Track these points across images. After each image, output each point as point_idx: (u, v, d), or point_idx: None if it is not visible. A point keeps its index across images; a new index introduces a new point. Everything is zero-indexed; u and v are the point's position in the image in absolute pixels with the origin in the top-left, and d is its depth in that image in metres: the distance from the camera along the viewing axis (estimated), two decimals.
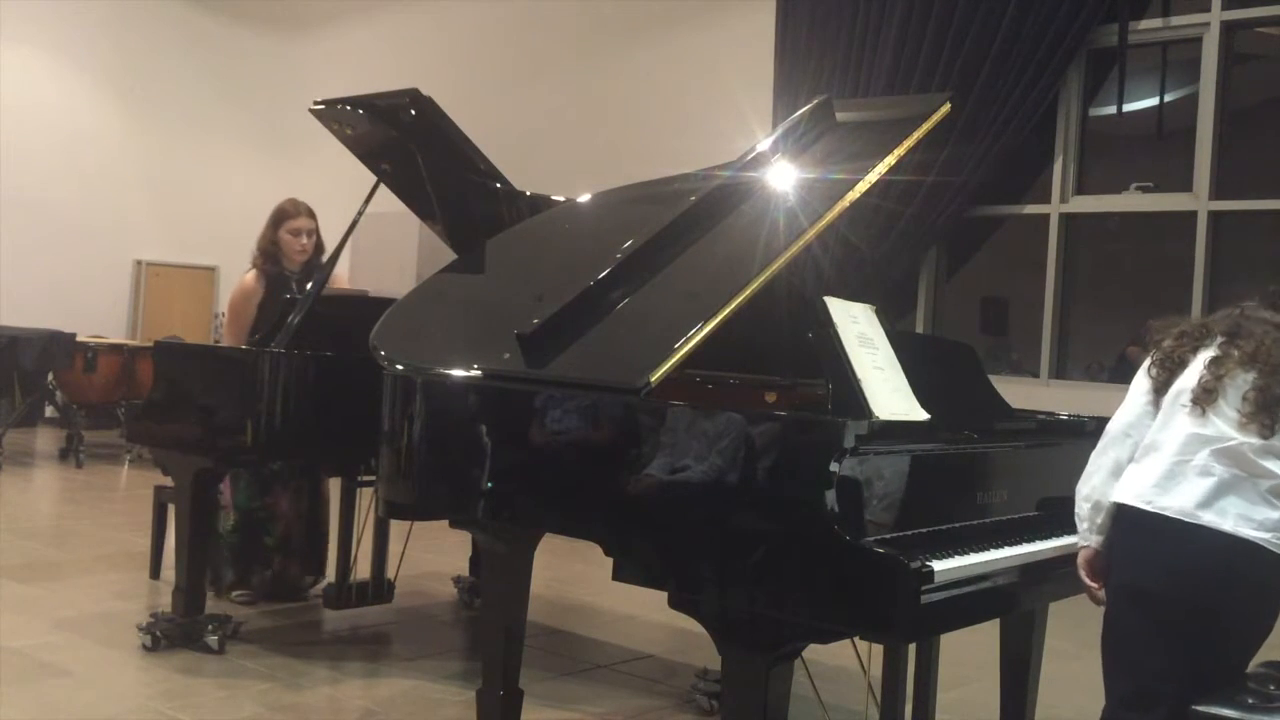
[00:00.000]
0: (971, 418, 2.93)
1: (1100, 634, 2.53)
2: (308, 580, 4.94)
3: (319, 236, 4.83)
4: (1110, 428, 2.57)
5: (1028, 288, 7.56)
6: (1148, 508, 2.41)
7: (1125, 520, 2.46)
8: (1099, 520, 2.51)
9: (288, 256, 4.76)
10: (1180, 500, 2.38)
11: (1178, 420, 2.46)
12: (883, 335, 2.83)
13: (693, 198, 3.24)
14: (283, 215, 4.78)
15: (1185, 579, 2.37)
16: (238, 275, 5.02)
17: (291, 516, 4.81)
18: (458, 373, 3.08)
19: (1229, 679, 2.40)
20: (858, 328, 2.77)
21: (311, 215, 4.80)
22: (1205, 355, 2.49)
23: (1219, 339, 2.49)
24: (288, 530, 4.82)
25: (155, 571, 5.14)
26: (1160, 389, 2.52)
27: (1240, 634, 2.45)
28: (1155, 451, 2.47)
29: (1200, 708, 2.32)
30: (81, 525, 6.39)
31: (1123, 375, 7.35)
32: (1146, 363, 2.58)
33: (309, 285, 4.35)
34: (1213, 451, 2.38)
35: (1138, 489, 2.44)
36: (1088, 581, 2.54)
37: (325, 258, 4.67)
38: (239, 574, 4.77)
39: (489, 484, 2.92)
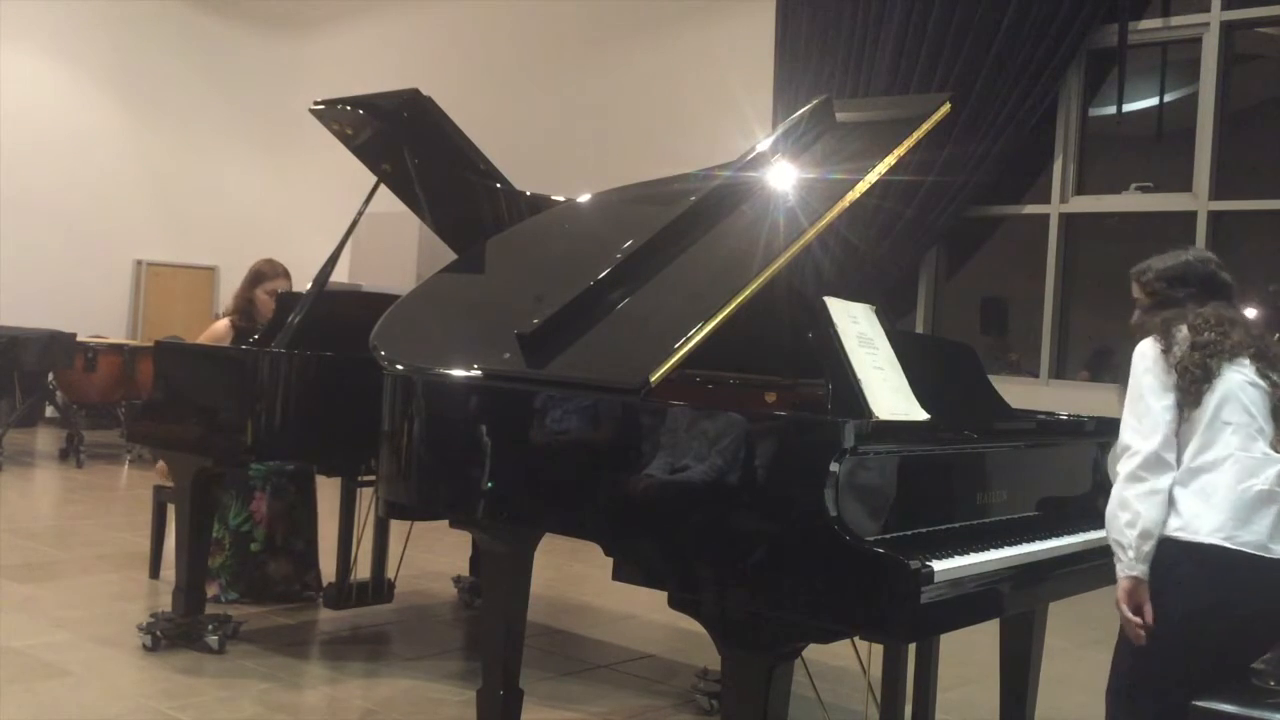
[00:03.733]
0: (971, 418, 2.93)
1: (1115, 650, 2.51)
2: (306, 578, 4.93)
3: None
4: (1139, 448, 2.43)
5: (1028, 288, 7.55)
6: (1229, 544, 2.35)
7: (1195, 556, 2.37)
8: (1145, 549, 2.40)
9: (261, 315, 4.81)
10: (1255, 534, 2.35)
11: (1225, 440, 2.41)
12: (883, 335, 2.83)
13: (693, 198, 3.24)
14: (260, 276, 4.86)
15: (1260, 611, 2.36)
16: (238, 275, 5.05)
17: (271, 517, 4.82)
18: (458, 373, 3.07)
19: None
20: (858, 328, 2.77)
21: (287, 276, 4.88)
22: (1247, 374, 2.46)
23: (1260, 361, 2.47)
24: (270, 531, 4.82)
25: (155, 571, 5.14)
26: (1191, 403, 2.43)
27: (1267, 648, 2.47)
28: (1207, 474, 2.40)
29: (1202, 703, 2.33)
30: (81, 525, 6.38)
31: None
32: (1163, 375, 2.48)
33: (308, 286, 4.35)
34: (1278, 474, 2.37)
35: (1213, 523, 2.37)
36: (1129, 615, 2.43)
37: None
38: (231, 584, 4.77)
39: (489, 484, 2.92)
